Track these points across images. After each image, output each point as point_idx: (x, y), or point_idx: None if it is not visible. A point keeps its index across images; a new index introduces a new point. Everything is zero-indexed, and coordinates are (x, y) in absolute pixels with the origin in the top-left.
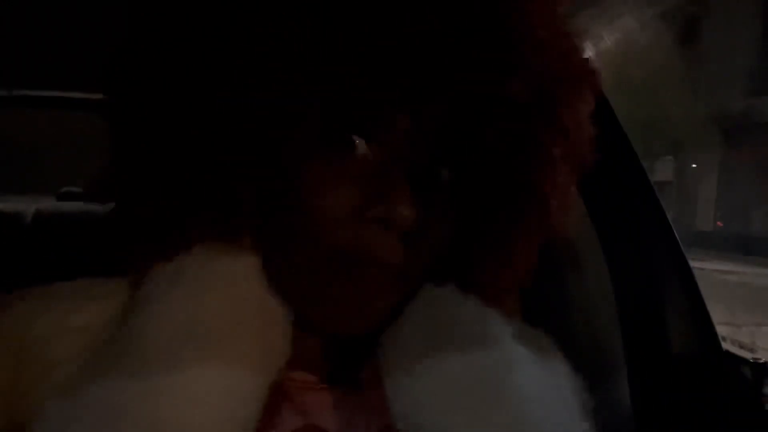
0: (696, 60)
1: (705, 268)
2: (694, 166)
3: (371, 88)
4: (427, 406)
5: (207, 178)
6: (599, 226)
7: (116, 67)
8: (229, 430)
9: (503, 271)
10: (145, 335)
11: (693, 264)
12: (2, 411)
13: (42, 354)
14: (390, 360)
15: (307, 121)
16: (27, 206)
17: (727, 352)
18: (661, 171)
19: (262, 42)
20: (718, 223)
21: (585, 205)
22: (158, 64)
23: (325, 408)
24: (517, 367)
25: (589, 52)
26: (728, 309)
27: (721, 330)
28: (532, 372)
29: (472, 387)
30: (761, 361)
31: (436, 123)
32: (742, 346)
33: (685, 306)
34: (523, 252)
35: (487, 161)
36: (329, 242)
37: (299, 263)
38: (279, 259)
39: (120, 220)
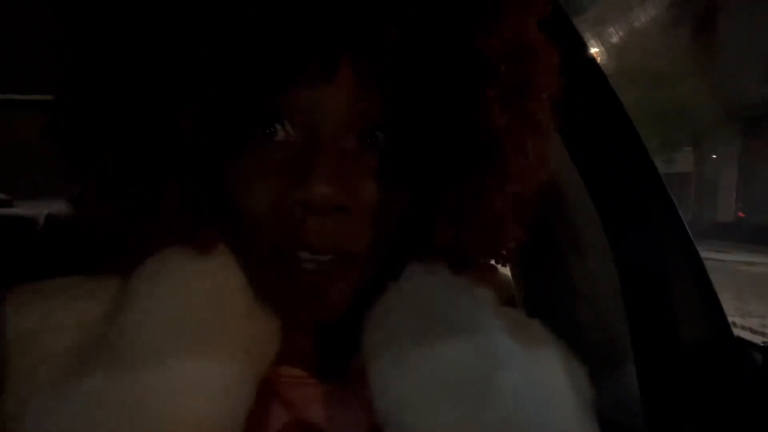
0: (714, 49)
1: (727, 259)
2: (714, 156)
3: (275, 68)
4: (412, 404)
5: (149, 184)
6: (603, 212)
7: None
8: (219, 424)
9: (476, 233)
10: (132, 331)
11: (714, 255)
12: None
13: (32, 350)
14: (375, 354)
15: (227, 117)
16: (39, 210)
17: (738, 338)
18: (681, 162)
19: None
20: (740, 213)
21: (589, 192)
22: (92, 65)
23: (314, 403)
24: (507, 363)
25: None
26: (748, 300)
27: (739, 320)
28: (523, 368)
29: (458, 385)
30: None
31: (351, 94)
32: (754, 332)
33: (693, 291)
34: (492, 208)
35: (426, 113)
36: (264, 235)
37: (248, 259)
38: (236, 256)
39: (93, 228)
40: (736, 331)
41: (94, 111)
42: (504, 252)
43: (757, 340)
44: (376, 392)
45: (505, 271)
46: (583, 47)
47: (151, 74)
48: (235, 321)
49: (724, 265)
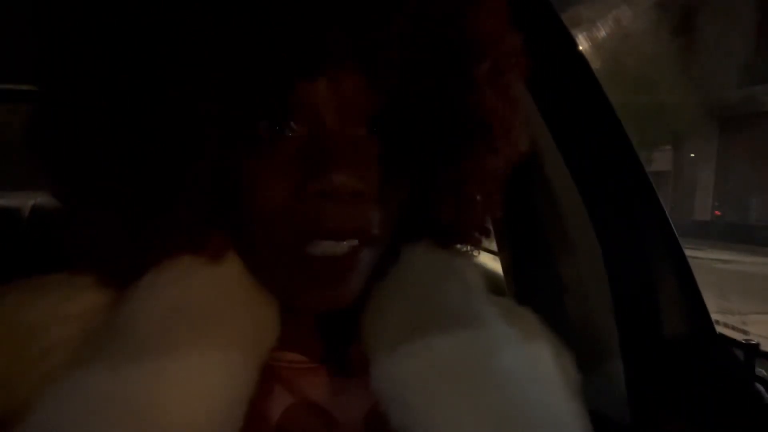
0: (693, 50)
1: (703, 257)
2: (692, 155)
3: (281, 65)
4: (411, 389)
5: (159, 190)
6: (592, 211)
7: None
8: (223, 410)
9: (467, 207)
10: (136, 320)
11: (691, 253)
12: None
13: (37, 341)
14: (373, 341)
15: (234, 117)
16: (24, 201)
17: (720, 335)
18: (660, 161)
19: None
20: (716, 212)
21: (579, 191)
22: (82, 62)
23: (315, 387)
24: (503, 348)
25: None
26: (724, 297)
27: (721, 318)
28: (517, 353)
29: (457, 369)
30: (753, 342)
31: (354, 88)
32: (735, 329)
33: (678, 289)
34: (482, 183)
35: (425, 101)
36: (279, 230)
37: (266, 256)
38: (248, 255)
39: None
40: (719, 329)
41: (95, 112)
42: (488, 226)
43: (739, 336)
44: (377, 378)
45: (494, 263)
46: (575, 47)
47: (160, 76)
48: (238, 307)
49: (702, 263)
